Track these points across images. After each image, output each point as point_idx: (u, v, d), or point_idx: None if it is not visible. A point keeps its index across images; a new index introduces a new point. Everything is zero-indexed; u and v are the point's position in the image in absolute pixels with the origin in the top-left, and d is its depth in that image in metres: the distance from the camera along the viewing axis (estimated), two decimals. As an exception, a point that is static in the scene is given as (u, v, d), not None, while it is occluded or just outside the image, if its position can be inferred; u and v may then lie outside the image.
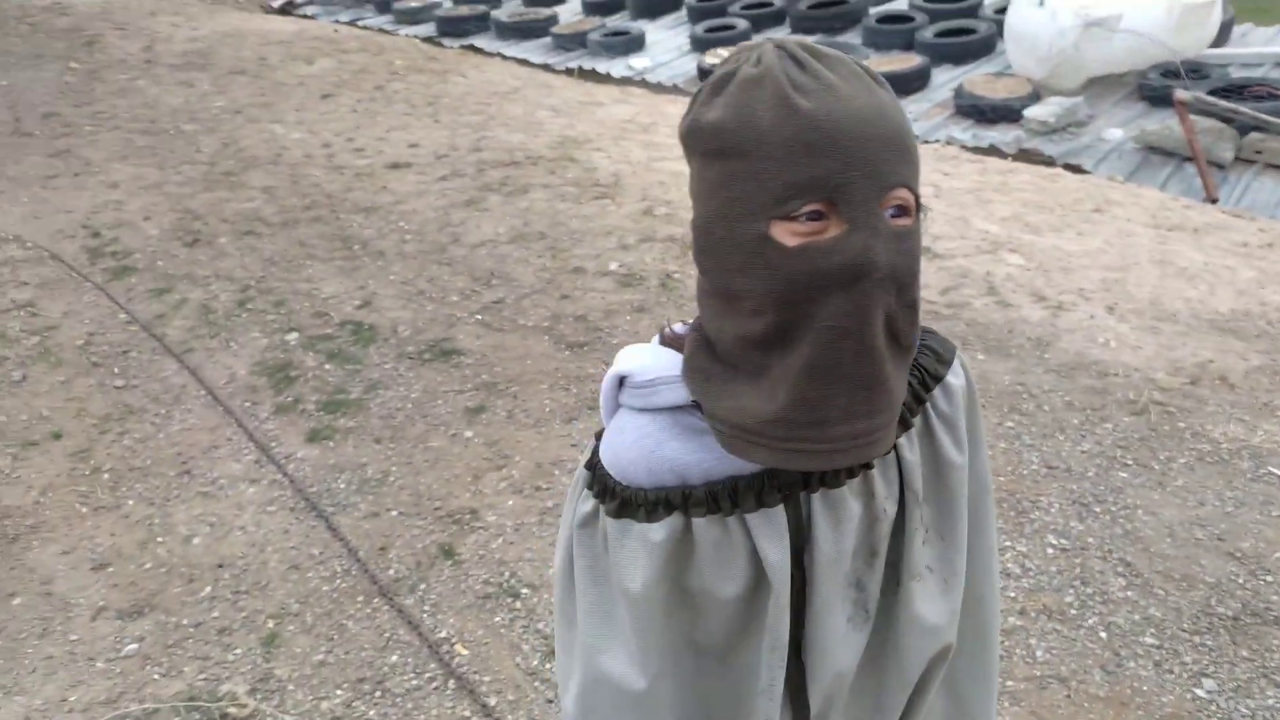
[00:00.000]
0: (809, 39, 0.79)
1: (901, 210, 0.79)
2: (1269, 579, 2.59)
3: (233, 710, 2.39)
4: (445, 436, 3.40)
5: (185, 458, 3.35)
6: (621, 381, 0.93)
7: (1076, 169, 7.00)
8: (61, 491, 3.18)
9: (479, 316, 4.20)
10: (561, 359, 3.83)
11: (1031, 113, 7.91)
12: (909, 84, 8.77)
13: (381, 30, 12.13)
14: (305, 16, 13.13)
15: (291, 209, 5.41)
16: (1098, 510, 2.87)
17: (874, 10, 10.98)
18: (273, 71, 8.39)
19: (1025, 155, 7.36)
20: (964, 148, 6.95)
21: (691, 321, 0.94)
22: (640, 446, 0.89)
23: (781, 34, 11.33)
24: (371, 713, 2.39)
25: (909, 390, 0.92)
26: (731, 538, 0.90)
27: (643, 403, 0.91)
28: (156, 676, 2.50)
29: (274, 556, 2.89)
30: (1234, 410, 3.32)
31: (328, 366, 3.87)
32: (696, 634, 0.95)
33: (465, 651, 2.51)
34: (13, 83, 7.86)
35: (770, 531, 0.89)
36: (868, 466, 0.91)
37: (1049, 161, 7.12)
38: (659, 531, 0.88)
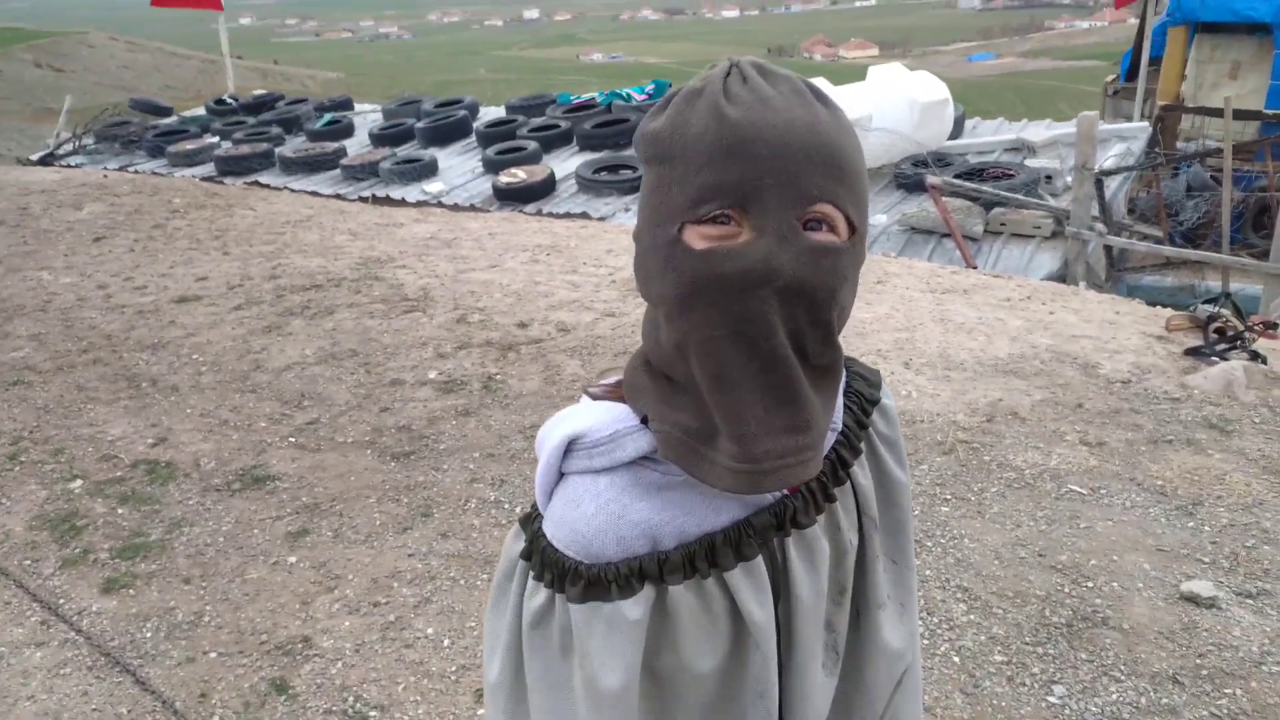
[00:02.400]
0: (760, 60, 0.79)
1: (823, 225, 0.76)
2: (1090, 585, 2.77)
3: None
4: (265, 566, 3.13)
5: (-47, 631, 2.90)
6: (569, 447, 0.83)
7: (855, 252, 7.57)
8: None
9: (292, 439, 3.96)
10: (387, 471, 3.66)
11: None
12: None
13: (155, 174, 11.66)
14: (69, 166, 12.43)
15: (65, 354, 4.97)
16: (929, 544, 2.99)
17: (653, 126, 11.58)
18: (35, 220, 7.84)
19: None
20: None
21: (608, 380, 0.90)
22: (606, 514, 0.80)
23: (569, 153, 11.79)
24: None
25: (852, 415, 0.90)
26: (711, 602, 0.82)
27: (605, 460, 0.82)
28: None
29: (72, 725, 2.52)
30: (1029, 440, 3.60)
31: (120, 511, 3.51)
32: None
33: (311, 791, 2.26)
34: None
35: (752, 586, 0.83)
36: (830, 499, 0.87)
37: (830, 248, 7.66)
38: (635, 608, 0.79)
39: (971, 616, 2.67)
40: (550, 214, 9.45)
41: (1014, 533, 3.03)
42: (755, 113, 0.73)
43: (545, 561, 0.81)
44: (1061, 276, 7.46)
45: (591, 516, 0.80)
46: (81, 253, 6.86)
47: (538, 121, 12.09)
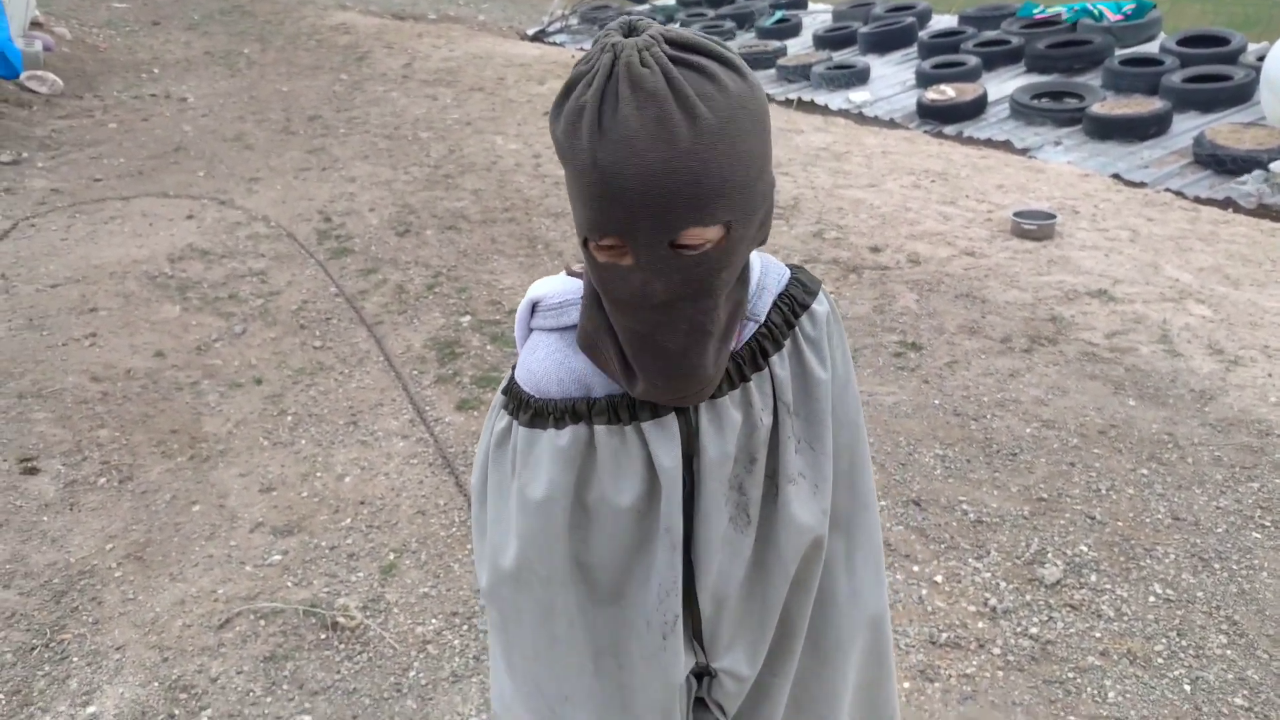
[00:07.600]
0: (680, 35, 0.86)
1: (693, 245, 0.88)
2: (1402, 664, 2.33)
3: (342, 620, 2.73)
4: (576, 418, 3.65)
5: (355, 411, 3.79)
6: (534, 308, 1.07)
7: (1323, 228, 6.33)
8: (251, 427, 3.70)
9: (633, 317, 4.44)
10: (698, 361, 3.99)
11: (1279, 166, 7.24)
12: (1144, 129, 8.27)
13: (617, 58, 12.81)
14: (553, 44, 14.10)
15: (492, 209, 5.92)
16: (1216, 566, 2.67)
17: (1120, 52, 10.38)
18: (507, 90, 9.13)
19: (1265, 210, 6.75)
20: (1181, 195, 6.47)
21: None
22: (551, 360, 1.03)
23: (1013, 73, 10.92)
24: (455, 641, 2.65)
25: (780, 314, 1.05)
26: (629, 447, 1.01)
27: (554, 322, 1.04)
28: (289, 584, 2.89)
29: (406, 501, 3.24)
30: None
31: (489, 347, 4.25)
32: (591, 556, 1.05)
33: (544, 603, 2.72)
34: (292, 89, 9.05)
35: (663, 438, 1.01)
36: (744, 379, 1.03)
37: (1291, 218, 6.48)
38: (564, 437, 1.00)
39: (1228, 652, 2.39)
40: (971, 138, 8.98)
41: (1331, 583, 2.59)
42: (622, 158, 0.83)
43: (511, 394, 1.05)
44: None
45: (541, 360, 1.03)
46: (531, 124, 7.93)
47: (989, 35, 11.30)
